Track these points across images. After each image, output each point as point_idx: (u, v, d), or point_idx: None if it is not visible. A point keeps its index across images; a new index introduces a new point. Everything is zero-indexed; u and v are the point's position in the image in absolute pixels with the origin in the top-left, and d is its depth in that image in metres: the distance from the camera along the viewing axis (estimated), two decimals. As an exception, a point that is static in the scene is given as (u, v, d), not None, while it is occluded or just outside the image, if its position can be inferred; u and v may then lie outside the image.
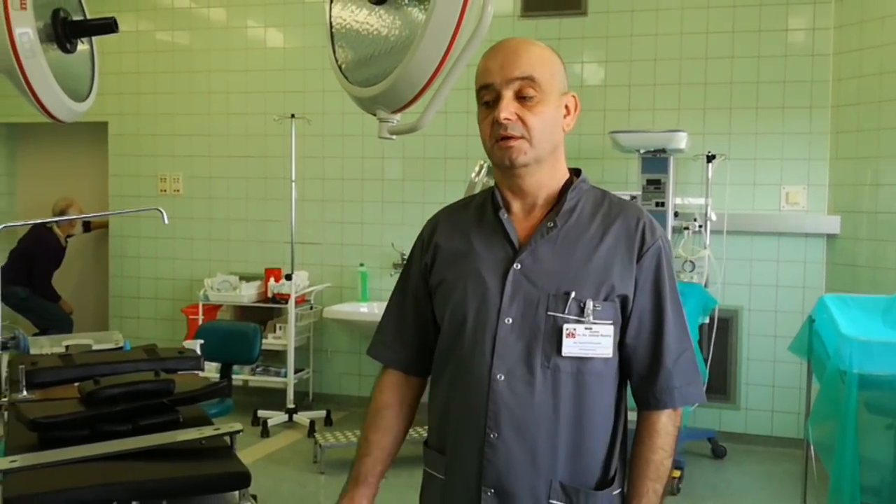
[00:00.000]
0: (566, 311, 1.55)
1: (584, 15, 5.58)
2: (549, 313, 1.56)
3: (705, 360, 4.82)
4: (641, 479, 1.59)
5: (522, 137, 1.57)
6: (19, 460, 2.44)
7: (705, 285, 5.09)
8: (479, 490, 1.59)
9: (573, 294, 1.55)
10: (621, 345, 1.60)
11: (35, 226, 6.47)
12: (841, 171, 5.17)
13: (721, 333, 5.18)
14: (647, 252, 1.59)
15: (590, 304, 1.55)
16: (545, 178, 1.63)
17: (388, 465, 1.78)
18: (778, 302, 5.31)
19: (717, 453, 5.15)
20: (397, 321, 1.79)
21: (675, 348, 1.59)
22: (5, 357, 3.42)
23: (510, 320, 1.58)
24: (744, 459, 5.14)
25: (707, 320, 4.99)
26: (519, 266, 1.60)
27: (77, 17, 2.86)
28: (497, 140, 1.58)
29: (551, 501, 1.57)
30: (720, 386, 5.35)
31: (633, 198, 5.11)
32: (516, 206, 1.65)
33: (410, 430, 1.83)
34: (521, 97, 1.57)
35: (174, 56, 6.56)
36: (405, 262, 1.83)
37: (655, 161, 5.06)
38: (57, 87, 2.69)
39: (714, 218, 5.17)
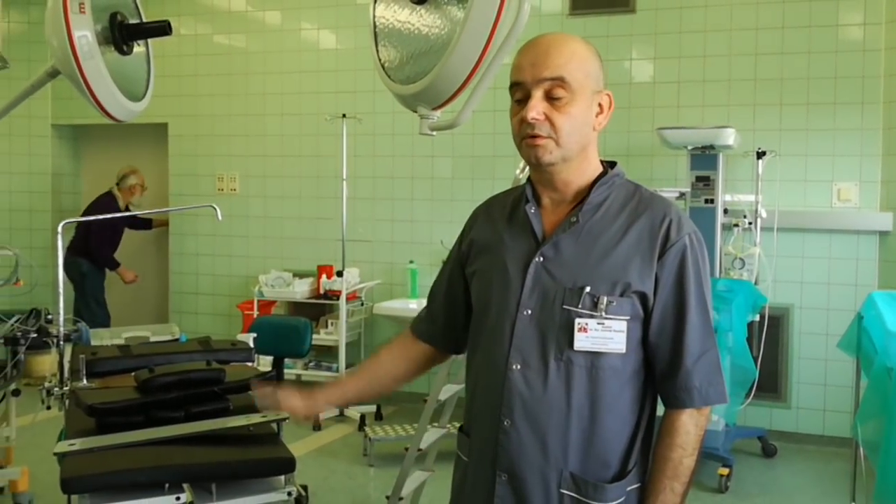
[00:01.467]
0: (580, 305, 1.56)
1: (632, 12, 5.58)
2: (565, 307, 1.58)
3: (755, 359, 4.77)
4: (659, 477, 1.60)
5: (549, 137, 1.58)
6: (77, 443, 2.57)
7: (755, 283, 5.04)
8: (494, 474, 1.63)
9: (587, 288, 1.57)
10: (645, 342, 1.61)
11: (99, 197, 6.73)
12: (893, 167, 5.06)
13: (771, 331, 5.13)
14: (671, 249, 1.58)
15: (604, 299, 1.55)
16: (573, 175, 1.64)
17: (352, 386, 1.95)
18: (830, 300, 5.23)
19: (768, 452, 5.09)
20: (431, 298, 1.92)
21: (697, 348, 1.59)
22: (68, 348, 3.57)
23: (529, 312, 1.61)
24: (794, 458, 5.08)
25: (757, 318, 4.94)
26: (541, 259, 1.62)
27: (133, 21, 2.97)
28: (524, 138, 1.61)
29: (562, 490, 1.59)
30: (770, 384, 5.28)
31: (682, 195, 5.09)
32: (546, 200, 1.68)
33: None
34: (550, 97, 1.58)
35: (231, 58, 6.73)
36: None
37: (704, 158, 5.03)
38: (114, 87, 2.80)
39: (764, 215, 5.12)
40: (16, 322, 3.84)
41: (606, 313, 1.56)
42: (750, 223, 5.12)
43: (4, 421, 3.93)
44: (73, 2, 2.59)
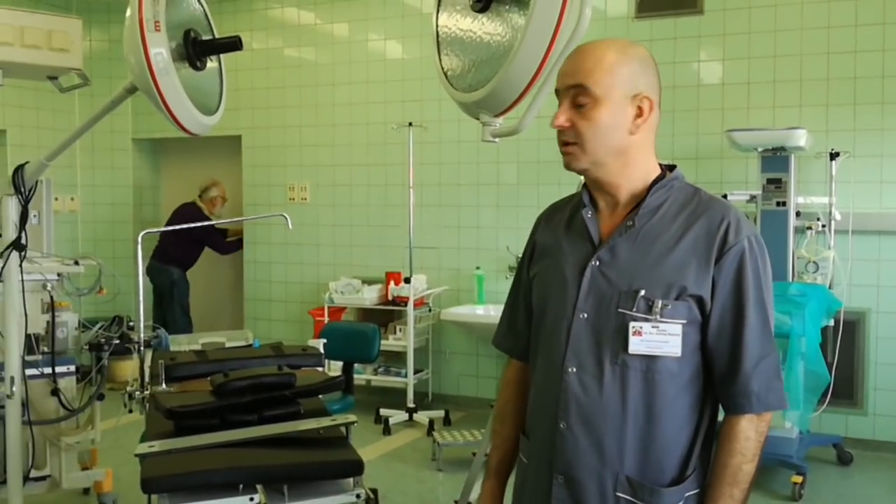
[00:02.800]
0: (634, 309, 1.56)
1: (700, 13, 5.51)
2: (620, 310, 1.58)
3: (830, 364, 4.66)
4: (718, 483, 1.58)
5: (575, 143, 1.61)
6: (157, 445, 2.67)
7: (830, 286, 4.94)
8: (551, 476, 1.65)
9: (642, 292, 1.56)
10: (704, 346, 1.60)
11: (179, 207, 7.00)
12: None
13: (847, 336, 5.01)
14: (728, 252, 1.56)
15: (658, 302, 1.55)
16: (617, 179, 1.64)
17: (515, 454, 1.85)
18: (908, 304, 5.09)
19: (843, 460, 4.97)
20: (511, 311, 1.89)
21: (756, 353, 1.56)
22: (149, 354, 3.70)
23: (585, 315, 1.62)
24: (871, 467, 4.94)
25: (831, 323, 4.83)
26: (597, 262, 1.63)
27: (206, 37, 3.06)
28: (560, 145, 1.65)
29: (618, 494, 1.59)
30: (846, 391, 5.15)
31: (753, 197, 5.02)
32: (602, 204, 1.69)
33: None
34: (576, 104, 1.61)
35: (301, 71, 6.88)
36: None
37: (775, 159, 4.95)
38: (189, 102, 2.89)
39: (838, 217, 5.01)
40: (99, 329, 4.01)
41: (661, 317, 1.55)
42: (823, 226, 5.02)
43: (89, 424, 4.08)
44: (149, 20, 2.68)
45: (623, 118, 1.61)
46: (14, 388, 3.45)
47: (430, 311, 6.21)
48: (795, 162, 4.99)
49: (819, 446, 5.01)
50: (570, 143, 1.62)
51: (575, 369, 1.62)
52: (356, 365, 5.16)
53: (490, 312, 5.95)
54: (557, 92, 1.67)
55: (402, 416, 5.78)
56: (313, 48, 6.83)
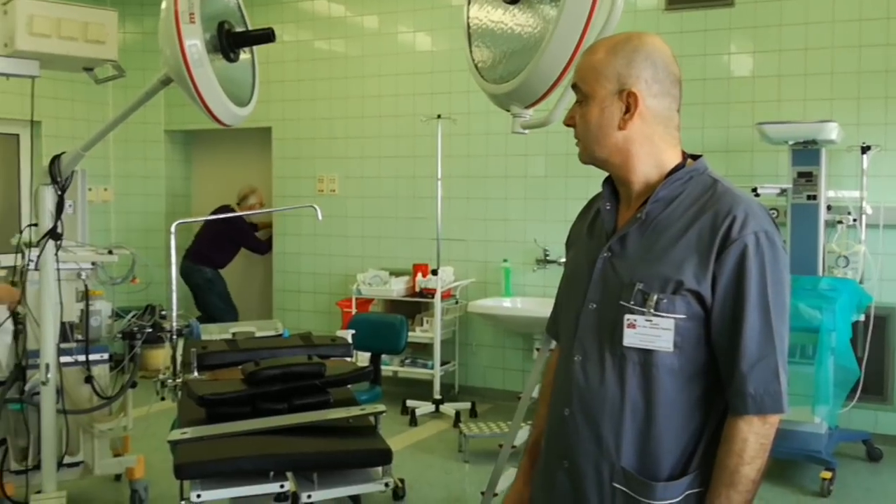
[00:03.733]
0: (632, 301, 1.56)
1: (730, 5, 5.47)
2: (621, 302, 1.58)
3: (860, 360, 4.63)
4: (716, 484, 1.54)
5: (578, 139, 1.67)
6: (189, 432, 2.72)
7: (860, 281, 4.89)
8: (558, 460, 1.69)
9: (640, 285, 1.56)
10: (710, 342, 1.56)
11: (217, 209, 7.08)
12: None
13: (877, 332, 4.95)
14: (729, 248, 1.50)
15: (654, 296, 1.54)
16: (624, 173, 1.64)
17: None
18: (941, 299, 5.03)
19: (873, 456, 4.92)
20: (558, 299, 1.90)
21: (754, 353, 1.50)
22: (180, 342, 3.76)
23: (594, 305, 1.64)
24: (901, 463, 4.91)
25: (862, 318, 4.79)
26: (607, 254, 1.64)
27: (239, 29, 3.10)
28: None
29: (614, 484, 1.59)
30: (876, 386, 5.09)
31: (783, 191, 4.98)
32: (622, 195, 1.70)
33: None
34: (578, 102, 1.66)
35: (331, 63, 6.92)
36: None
37: (806, 153, 4.91)
38: (222, 93, 2.94)
39: (870, 211, 4.96)
40: (132, 318, 4.07)
41: (656, 310, 1.53)
42: (854, 220, 4.97)
43: (122, 411, 4.14)
44: (184, 12, 2.73)
45: (611, 116, 1.60)
46: (49, 375, 3.52)
47: (457, 303, 6.23)
48: (826, 155, 4.94)
49: (848, 442, 4.96)
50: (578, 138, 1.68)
51: (580, 357, 1.64)
52: (383, 356, 5.19)
53: (517, 305, 5.96)
54: None
55: (428, 407, 5.81)
56: (343, 40, 6.87)
